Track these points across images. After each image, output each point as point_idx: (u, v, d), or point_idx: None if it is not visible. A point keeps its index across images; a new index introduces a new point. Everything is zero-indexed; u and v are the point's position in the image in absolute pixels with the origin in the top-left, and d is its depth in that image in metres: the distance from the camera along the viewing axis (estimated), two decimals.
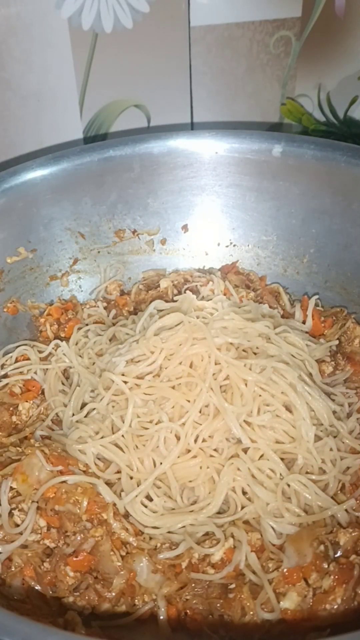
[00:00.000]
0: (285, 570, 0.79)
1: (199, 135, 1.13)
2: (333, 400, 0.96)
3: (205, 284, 1.10)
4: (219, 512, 0.85)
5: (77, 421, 0.93)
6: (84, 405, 0.96)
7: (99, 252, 1.16)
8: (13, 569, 0.81)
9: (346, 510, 0.84)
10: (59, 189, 1.09)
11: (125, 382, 0.91)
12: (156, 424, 0.89)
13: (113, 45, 1.19)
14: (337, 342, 1.04)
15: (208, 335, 0.91)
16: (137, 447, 0.88)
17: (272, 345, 0.94)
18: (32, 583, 0.80)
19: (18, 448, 0.91)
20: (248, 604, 0.78)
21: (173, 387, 0.90)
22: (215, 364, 0.90)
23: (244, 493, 0.86)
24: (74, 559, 0.81)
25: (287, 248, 1.15)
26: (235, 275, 1.14)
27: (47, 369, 1.02)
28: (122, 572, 0.81)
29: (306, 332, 1.06)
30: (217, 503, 0.85)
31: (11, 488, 0.85)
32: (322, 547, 0.80)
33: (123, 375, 0.92)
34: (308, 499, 0.85)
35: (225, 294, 1.07)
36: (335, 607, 0.76)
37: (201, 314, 0.98)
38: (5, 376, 1.02)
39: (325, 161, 1.07)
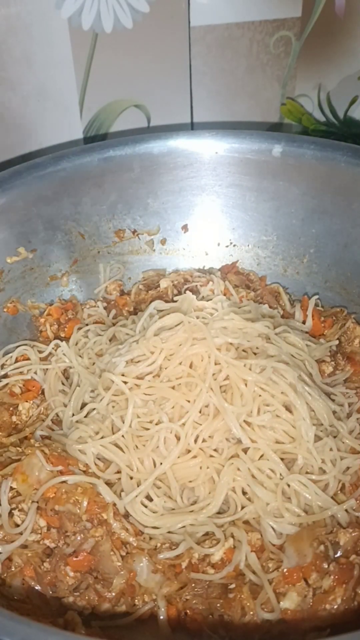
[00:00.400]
0: (285, 570, 0.79)
1: (199, 135, 1.13)
2: (333, 400, 0.96)
3: (205, 284, 1.10)
4: (219, 512, 0.85)
5: (77, 421, 0.93)
6: (84, 405, 0.96)
7: (99, 252, 1.16)
8: (13, 569, 0.81)
9: (346, 510, 0.84)
10: (59, 189, 1.09)
11: (125, 383, 0.91)
12: (156, 424, 0.89)
13: (113, 45, 1.19)
14: (337, 342, 1.04)
15: (208, 335, 0.91)
16: (137, 447, 0.88)
17: (272, 345, 0.94)
18: (32, 583, 0.80)
19: (18, 448, 0.91)
20: (248, 604, 0.78)
21: (173, 388, 0.90)
22: (215, 364, 0.90)
23: (244, 493, 0.86)
24: (74, 559, 0.81)
25: (287, 248, 1.15)
26: (235, 275, 1.14)
27: (47, 369, 1.02)
28: (122, 572, 0.81)
29: (306, 332, 1.06)
30: (217, 503, 0.85)
31: (11, 488, 0.85)
32: (322, 547, 0.80)
33: (123, 375, 0.91)
34: (308, 499, 0.85)
35: (225, 294, 1.07)
36: (335, 607, 0.76)
37: (201, 314, 0.98)
38: (5, 376, 1.02)
39: (325, 161, 1.07)
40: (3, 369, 1.03)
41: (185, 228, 1.18)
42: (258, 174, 1.12)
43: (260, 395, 0.89)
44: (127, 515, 0.86)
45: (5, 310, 1.07)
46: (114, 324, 1.07)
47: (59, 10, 1.13)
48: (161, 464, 0.87)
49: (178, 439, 0.87)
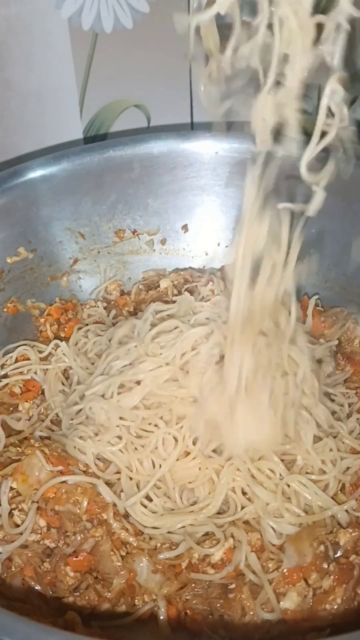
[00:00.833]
0: (285, 570, 0.79)
1: (199, 135, 1.13)
2: (333, 400, 0.96)
3: (205, 284, 1.10)
4: (218, 513, 0.85)
5: (78, 423, 0.93)
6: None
7: (99, 252, 1.16)
8: (13, 569, 0.81)
9: (346, 510, 0.84)
10: (59, 189, 1.09)
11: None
12: (154, 426, 0.89)
13: (113, 45, 1.18)
14: (337, 342, 1.04)
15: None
16: (136, 449, 0.88)
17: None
18: (32, 583, 0.80)
19: (18, 448, 0.91)
20: (248, 604, 0.78)
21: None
22: None
23: (244, 493, 0.86)
24: (74, 559, 0.81)
25: None
26: None
27: (47, 369, 1.02)
28: (122, 572, 0.81)
29: (306, 332, 1.06)
30: (216, 504, 0.84)
31: (11, 488, 0.85)
32: (322, 547, 0.80)
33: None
34: (308, 499, 0.85)
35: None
36: (335, 607, 0.76)
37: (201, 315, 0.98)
38: (5, 376, 1.02)
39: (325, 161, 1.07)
40: (3, 369, 1.02)
41: (185, 228, 1.18)
42: None
43: None
44: (127, 516, 0.86)
45: (5, 310, 1.07)
46: (114, 324, 1.07)
47: (59, 10, 1.13)
48: (160, 466, 0.87)
49: (177, 440, 0.87)
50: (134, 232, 1.16)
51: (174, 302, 1.02)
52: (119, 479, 0.88)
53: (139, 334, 0.97)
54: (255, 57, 0.67)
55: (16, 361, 1.03)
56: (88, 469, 0.88)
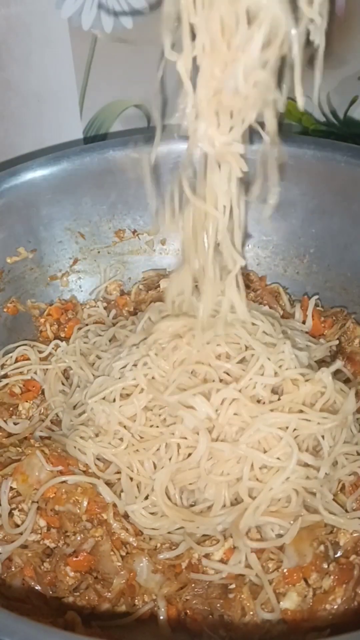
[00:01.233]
0: (285, 570, 0.79)
1: None
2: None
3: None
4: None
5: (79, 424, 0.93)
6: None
7: (99, 252, 1.16)
8: (13, 569, 0.81)
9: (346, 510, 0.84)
10: (59, 189, 1.09)
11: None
12: (156, 427, 0.88)
13: (113, 45, 1.18)
14: (337, 342, 1.04)
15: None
16: (137, 450, 0.88)
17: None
18: (32, 583, 0.80)
19: (18, 448, 0.91)
20: (248, 604, 0.78)
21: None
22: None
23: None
24: (74, 559, 0.81)
25: (287, 248, 1.15)
26: None
27: (47, 369, 1.02)
28: (122, 572, 0.81)
29: (306, 332, 1.06)
30: (217, 506, 0.84)
31: (11, 488, 0.85)
32: (322, 547, 0.80)
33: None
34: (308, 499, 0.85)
35: None
36: (335, 607, 0.76)
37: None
38: (5, 376, 1.02)
39: (325, 161, 1.07)
40: (3, 369, 1.03)
41: None
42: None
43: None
44: (126, 516, 0.86)
45: (5, 310, 1.07)
46: (114, 324, 1.07)
47: (59, 10, 1.13)
48: (163, 467, 0.86)
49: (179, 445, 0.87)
50: (134, 232, 1.16)
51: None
52: (118, 479, 0.88)
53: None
54: None
55: (16, 361, 1.03)
56: (88, 469, 0.88)
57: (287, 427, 0.84)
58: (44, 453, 0.86)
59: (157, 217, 0.86)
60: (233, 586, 0.80)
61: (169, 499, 0.86)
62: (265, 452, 0.84)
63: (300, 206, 1.11)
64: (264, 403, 0.86)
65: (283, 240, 1.15)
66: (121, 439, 0.89)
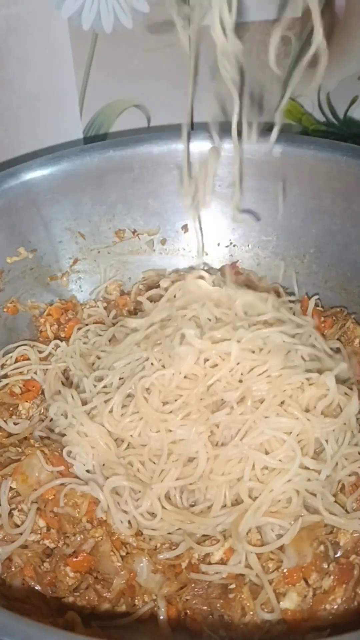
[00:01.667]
0: (285, 570, 0.79)
1: (199, 135, 1.13)
2: None
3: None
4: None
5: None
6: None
7: (99, 252, 1.16)
8: (13, 569, 0.81)
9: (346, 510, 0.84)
10: (59, 189, 1.09)
11: None
12: (157, 432, 0.88)
13: (113, 45, 1.18)
14: (337, 342, 1.04)
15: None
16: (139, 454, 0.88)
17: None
18: (32, 583, 0.80)
19: (18, 448, 0.91)
20: (248, 604, 0.78)
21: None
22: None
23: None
24: (74, 559, 0.81)
25: (287, 248, 1.15)
26: (235, 275, 1.14)
27: (47, 369, 1.02)
28: (122, 572, 0.81)
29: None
30: (217, 506, 0.84)
31: (11, 488, 0.85)
32: (322, 547, 0.80)
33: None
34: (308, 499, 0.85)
35: None
36: (335, 607, 0.76)
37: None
38: (5, 376, 1.02)
39: (325, 161, 1.07)
40: (3, 369, 1.03)
41: (185, 228, 1.17)
42: (258, 174, 1.11)
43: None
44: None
45: (5, 310, 1.07)
46: (114, 324, 1.07)
47: (59, 10, 1.13)
48: (162, 470, 0.86)
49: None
50: (134, 232, 1.16)
51: None
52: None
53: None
54: None
55: (16, 361, 1.03)
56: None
57: (290, 432, 0.84)
58: (44, 453, 0.86)
59: None
60: (233, 586, 0.80)
61: (169, 499, 0.85)
62: (267, 453, 0.84)
63: (300, 206, 1.11)
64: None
65: (283, 240, 1.15)
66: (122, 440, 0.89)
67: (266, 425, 0.84)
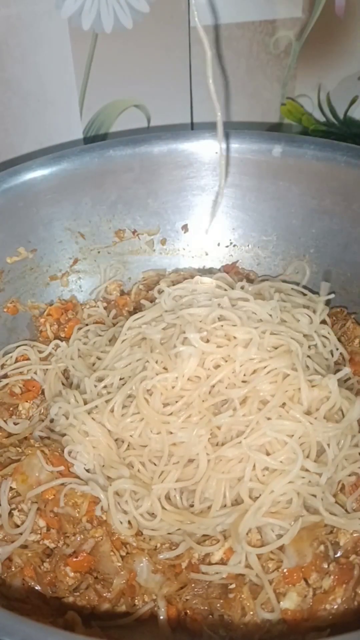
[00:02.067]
0: (285, 570, 0.79)
1: (199, 135, 1.13)
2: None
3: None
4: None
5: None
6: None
7: (99, 252, 1.16)
8: (13, 569, 0.81)
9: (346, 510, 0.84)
10: (59, 189, 1.09)
11: None
12: (157, 434, 0.88)
13: (113, 45, 1.18)
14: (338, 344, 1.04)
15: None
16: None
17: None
18: (32, 583, 0.80)
19: (18, 448, 0.91)
20: (248, 604, 0.78)
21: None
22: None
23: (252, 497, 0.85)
24: (74, 559, 0.81)
25: (287, 248, 1.15)
26: (235, 275, 1.14)
27: (47, 369, 1.02)
28: (122, 573, 0.81)
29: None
30: (216, 506, 0.84)
31: (11, 488, 0.85)
32: (322, 547, 0.79)
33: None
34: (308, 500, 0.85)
35: None
36: (335, 607, 0.76)
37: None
38: (5, 376, 1.02)
39: (325, 161, 1.07)
40: (3, 369, 1.03)
41: (185, 228, 1.18)
42: (258, 174, 1.12)
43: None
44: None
45: (5, 310, 1.07)
46: (114, 324, 1.07)
47: (59, 10, 1.13)
48: (163, 471, 0.86)
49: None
50: (134, 232, 1.16)
51: None
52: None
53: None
54: None
55: (16, 361, 1.03)
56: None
57: (292, 435, 0.84)
58: (44, 453, 0.86)
59: None
60: (233, 586, 0.80)
61: (169, 499, 0.85)
62: (268, 455, 0.84)
63: (300, 206, 1.11)
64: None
65: (283, 240, 1.15)
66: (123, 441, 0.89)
67: (268, 427, 0.84)
